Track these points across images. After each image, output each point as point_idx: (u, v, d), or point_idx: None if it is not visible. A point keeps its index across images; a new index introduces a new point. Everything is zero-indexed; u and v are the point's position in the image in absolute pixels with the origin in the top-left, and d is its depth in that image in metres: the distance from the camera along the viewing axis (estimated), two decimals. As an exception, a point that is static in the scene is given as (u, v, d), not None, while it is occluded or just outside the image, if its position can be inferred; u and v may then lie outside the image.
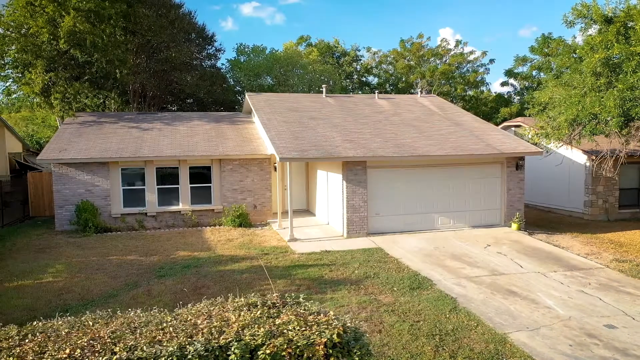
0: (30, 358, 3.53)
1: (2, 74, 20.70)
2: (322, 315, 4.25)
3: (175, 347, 3.62)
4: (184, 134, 18.55)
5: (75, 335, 3.89)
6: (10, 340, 3.87)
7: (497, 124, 26.40)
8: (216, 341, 3.74)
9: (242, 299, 4.63)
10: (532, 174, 19.28)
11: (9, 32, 19.84)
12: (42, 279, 10.36)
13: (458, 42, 40.99)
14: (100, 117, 20.59)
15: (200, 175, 17.19)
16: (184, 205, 16.87)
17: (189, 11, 32.83)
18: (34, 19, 19.27)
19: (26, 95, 23.02)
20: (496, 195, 15.69)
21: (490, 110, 38.48)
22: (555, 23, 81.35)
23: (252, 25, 76.17)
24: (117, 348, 3.62)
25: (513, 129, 21.39)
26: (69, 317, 4.41)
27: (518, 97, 39.40)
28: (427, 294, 9.10)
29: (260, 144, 17.91)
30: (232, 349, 3.67)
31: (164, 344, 3.69)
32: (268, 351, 3.68)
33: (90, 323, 4.23)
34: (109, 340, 3.78)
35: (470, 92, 40.41)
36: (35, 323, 4.24)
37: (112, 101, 28.01)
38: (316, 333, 3.88)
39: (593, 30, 13.10)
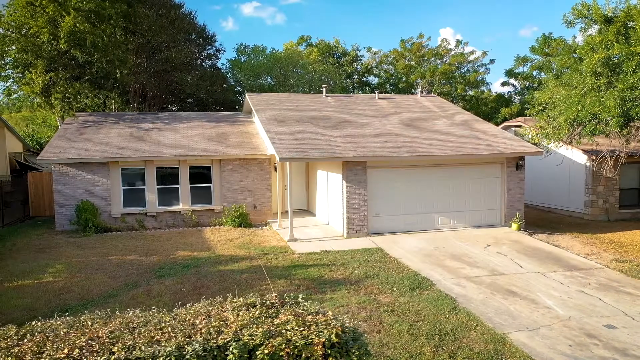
0: (29, 358, 3.53)
1: (2, 74, 20.71)
2: (320, 315, 4.25)
3: (173, 347, 3.62)
4: (184, 134, 18.56)
5: (73, 335, 3.89)
6: (8, 340, 3.87)
7: (497, 124, 26.40)
8: (214, 341, 3.74)
9: (241, 299, 4.63)
10: (533, 174, 19.28)
11: (9, 32, 19.86)
12: (42, 279, 10.37)
13: (458, 42, 41.01)
14: (101, 117, 20.60)
15: (201, 175, 17.20)
16: (184, 205, 16.87)
17: (189, 11, 32.89)
18: (34, 19, 19.29)
19: (26, 95, 23.06)
20: (496, 195, 15.68)
21: (491, 110, 38.47)
22: (555, 23, 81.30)
23: (252, 25, 76.25)
24: (116, 348, 3.62)
25: (513, 129, 21.38)
26: (67, 317, 4.41)
27: (518, 97, 39.39)
28: (426, 294, 9.09)
29: (260, 144, 17.92)
30: (231, 349, 3.67)
31: (162, 344, 3.69)
32: (266, 351, 3.68)
33: (89, 323, 4.23)
34: (107, 340, 3.78)
35: (471, 92, 40.41)
36: (33, 323, 4.24)
37: (113, 101, 28.02)
38: (314, 333, 3.88)
39: (593, 30, 13.09)
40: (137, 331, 3.97)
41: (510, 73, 38.18)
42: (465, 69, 40.84)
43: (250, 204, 17.23)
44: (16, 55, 19.84)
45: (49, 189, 18.68)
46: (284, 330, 3.91)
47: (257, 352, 3.69)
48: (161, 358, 3.54)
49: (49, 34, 19.26)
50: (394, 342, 6.99)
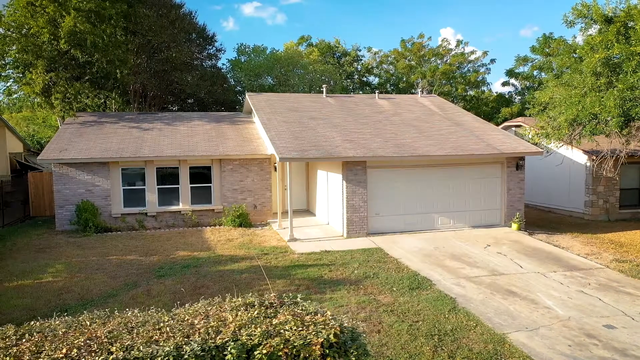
0: (27, 358, 3.53)
1: (3, 74, 20.75)
2: (319, 315, 4.25)
3: (171, 347, 3.62)
4: (184, 134, 18.56)
5: (72, 335, 3.89)
6: (7, 340, 3.87)
7: (498, 124, 26.40)
8: (213, 341, 3.74)
9: (240, 299, 4.63)
10: (533, 174, 19.27)
11: (9, 33, 19.88)
12: (42, 279, 10.38)
13: (459, 42, 40.98)
14: (101, 117, 20.62)
15: (201, 175, 17.20)
16: (184, 205, 16.88)
17: (190, 11, 32.92)
18: (35, 19, 19.30)
19: (27, 96, 23.07)
20: (496, 195, 15.67)
21: (491, 110, 38.45)
22: (556, 23, 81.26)
23: (253, 25, 76.26)
24: (114, 348, 3.63)
25: (514, 129, 21.38)
26: (66, 317, 4.41)
27: (519, 97, 39.36)
28: (426, 294, 9.09)
29: (260, 144, 17.92)
30: (229, 349, 3.67)
31: (161, 344, 3.69)
32: (264, 351, 3.68)
33: (88, 323, 4.23)
34: (105, 340, 3.79)
35: (471, 92, 40.38)
36: (32, 323, 4.24)
37: (113, 101, 28.04)
38: (313, 333, 3.87)
39: (593, 30, 13.08)
40: (135, 331, 3.97)
41: (510, 73, 38.14)
42: (466, 69, 40.82)
43: (250, 204, 17.23)
44: (16, 55, 19.86)
45: (49, 189, 18.70)
46: (282, 330, 3.91)
47: (256, 352, 3.70)
48: (159, 358, 3.54)
49: (49, 34, 19.28)
50: (393, 342, 6.99)
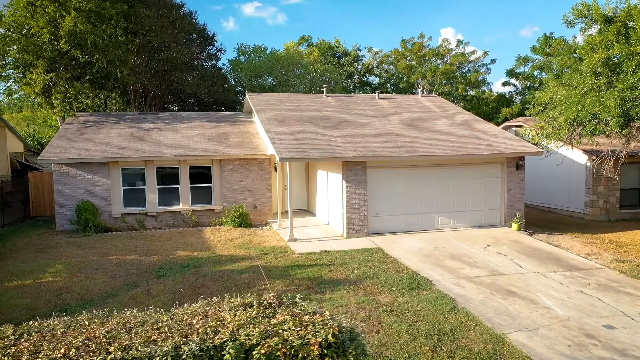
0: (25, 358, 3.53)
1: (3, 74, 20.77)
2: (317, 315, 4.25)
3: (170, 347, 3.62)
4: (184, 134, 18.57)
5: (70, 335, 3.90)
6: (5, 339, 3.88)
7: (498, 124, 26.39)
8: (211, 341, 3.74)
9: (238, 299, 4.63)
10: (533, 174, 19.26)
11: (10, 33, 19.89)
12: (42, 279, 10.38)
13: (459, 42, 40.96)
14: (101, 117, 20.63)
15: (201, 175, 17.21)
16: (184, 205, 16.88)
17: (190, 11, 32.91)
18: (35, 19, 19.32)
19: (27, 96, 23.09)
20: (496, 195, 15.66)
21: (492, 110, 38.43)
22: (556, 23, 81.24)
23: (253, 25, 76.28)
24: (112, 348, 3.63)
25: (514, 129, 21.37)
26: (65, 317, 4.42)
27: (519, 97, 39.34)
28: (426, 294, 9.09)
29: (260, 144, 17.92)
30: (227, 349, 3.67)
31: (159, 344, 3.69)
32: (263, 351, 3.68)
33: (86, 323, 4.24)
34: (104, 340, 3.79)
35: (472, 92, 40.36)
36: (31, 323, 4.25)
37: (113, 101, 28.05)
38: (311, 333, 3.87)
39: (593, 30, 13.07)
40: (134, 331, 3.97)
41: (511, 73, 38.12)
42: (466, 69, 40.80)
43: (251, 204, 17.23)
44: (17, 55, 19.88)
45: (49, 189, 18.71)
46: (280, 330, 3.91)
47: (254, 352, 3.70)
48: (157, 358, 3.54)
49: (49, 34, 19.29)
50: (392, 342, 6.99)
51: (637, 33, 11.43)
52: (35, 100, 21.90)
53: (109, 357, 3.51)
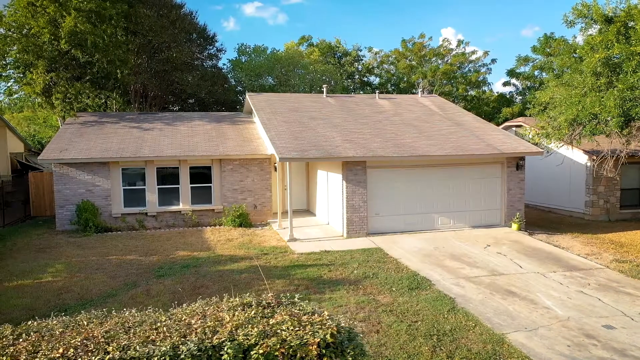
0: (24, 357, 3.53)
1: (3, 74, 20.79)
2: (316, 315, 4.25)
3: (168, 347, 3.62)
4: (184, 134, 18.58)
5: (69, 335, 3.90)
6: (4, 339, 3.88)
7: (498, 124, 26.39)
8: (209, 341, 3.75)
9: (237, 299, 4.63)
10: (533, 174, 19.25)
11: (10, 33, 19.91)
12: (42, 279, 10.39)
13: (460, 42, 40.94)
14: (102, 117, 20.64)
15: (201, 175, 17.21)
16: (184, 205, 16.89)
17: (190, 11, 32.92)
18: (35, 20, 19.33)
19: (27, 96, 23.11)
20: (496, 195, 15.66)
21: (492, 110, 38.42)
22: (557, 23, 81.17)
23: (254, 25, 76.29)
24: (110, 348, 3.63)
25: (514, 129, 21.36)
26: (63, 317, 4.42)
27: (520, 97, 39.32)
28: (425, 294, 9.08)
29: (260, 144, 17.93)
30: (225, 349, 3.67)
31: (157, 344, 3.70)
32: (261, 351, 3.68)
33: (85, 323, 4.24)
34: (102, 339, 3.79)
35: (472, 92, 40.34)
36: (29, 322, 4.25)
37: (114, 101, 28.07)
38: (310, 333, 3.87)
39: (593, 30, 13.06)
40: (132, 331, 3.98)
41: (511, 73, 38.09)
42: (467, 69, 40.77)
43: (251, 204, 17.23)
44: (17, 55, 19.90)
45: (49, 189, 18.72)
46: (279, 330, 3.91)
47: (252, 352, 3.70)
48: (156, 358, 3.55)
49: (49, 34, 19.31)
50: (392, 342, 6.98)
51: (637, 33, 11.43)
52: (36, 100, 21.93)
53: (107, 357, 3.51)
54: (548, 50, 28.79)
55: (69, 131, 18.29)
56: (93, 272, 10.90)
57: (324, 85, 22.75)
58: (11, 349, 3.67)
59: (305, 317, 4.18)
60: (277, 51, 38.78)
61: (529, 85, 38.10)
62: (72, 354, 3.55)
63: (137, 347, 3.63)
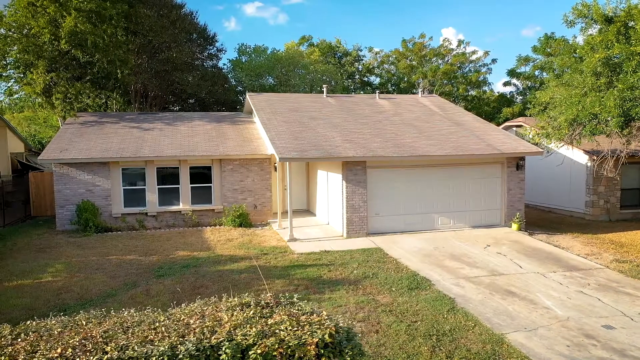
0: (22, 357, 3.54)
1: (4, 74, 20.80)
2: (315, 315, 4.25)
3: (166, 347, 3.62)
4: (184, 134, 18.58)
5: (67, 335, 3.90)
6: (2, 339, 3.88)
7: (499, 124, 26.37)
8: (207, 341, 3.74)
9: (236, 299, 4.63)
10: (533, 174, 19.24)
11: (10, 33, 19.93)
12: (42, 279, 10.40)
13: (460, 42, 40.91)
14: (102, 117, 20.65)
15: (201, 175, 17.22)
16: (184, 205, 16.89)
17: (190, 11, 32.93)
18: (36, 20, 19.34)
19: (28, 96, 23.13)
20: (496, 195, 15.65)
21: (493, 110, 38.40)
22: (558, 23, 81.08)
23: (255, 25, 76.31)
24: (109, 347, 3.63)
25: (514, 129, 21.35)
26: (62, 317, 4.42)
27: (520, 97, 39.29)
28: (425, 294, 9.08)
29: (260, 144, 17.93)
30: (224, 349, 3.67)
31: (156, 344, 3.70)
32: (259, 351, 3.68)
33: (84, 322, 4.24)
34: (100, 339, 3.79)
35: (473, 92, 40.32)
36: (28, 322, 4.25)
37: (114, 101, 28.09)
38: (308, 333, 3.87)
39: (593, 30, 13.06)
40: (130, 331, 3.98)
41: (512, 73, 38.06)
42: (467, 68, 40.74)
43: (251, 204, 17.24)
44: (17, 55, 19.92)
45: (50, 189, 18.73)
46: (277, 330, 3.91)
47: (250, 352, 3.70)
48: (154, 358, 3.55)
49: (50, 34, 19.32)
50: (391, 342, 6.98)
51: (637, 33, 11.42)
52: (36, 100, 21.95)
53: (106, 357, 3.51)
54: (548, 50, 28.79)
55: (69, 131, 18.30)
56: (93, 272, 10.91)
57: (324, 85, 22.74)
58: (10, 348, 3.67)
59: (303, 317, 4.18)
60: (278, 51, 38.80)
61: (529, 85, 38.07)
62: (71, 353, 3.55)
63: (136, 347, 3.63)
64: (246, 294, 4.92)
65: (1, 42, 19.46)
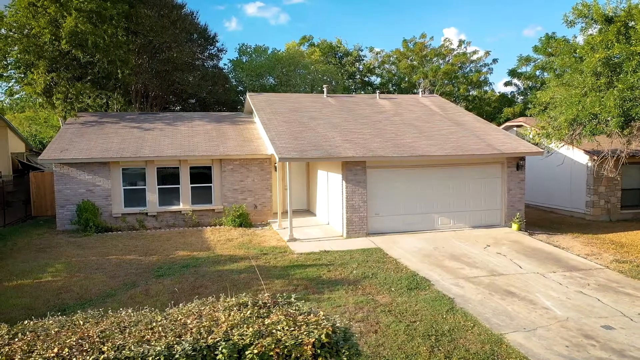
0: (19, 357, 3.54)
1: (4, 74, 20.83)
2: (312, 315, 4.25)
3: (163, 347, 3.63)
4: (185, 134, 18.59)
5: (64, 335, 3.91)
6: (0, 339, 3.89)
7: (500, 124, 26.35)
8: (204, 341, 3.75)
9: (233, 299, 4.64)
10: (534, 174, 19.22)
11: (11, 33, 19.96)
12: (42, 279, 10.41)
13: (461, 42, 40.90)
14: (102, 117, 20.67)
15: (201, 175, 17.22)
16: (184, 205, 16.90)
17: (191, 11, 32.95)
18: (36, 20, 19.37)
19: (29, 96, 23.16)
20: (497, 195, 15.63)
21: (494, 110, 38.39)
22: (559, 23, 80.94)
23: (256, 25, 76.35)
24: (105, 347, 3.64)
25: (515, 129, 21.33)
26: (60, 317, 4.43)
27: (521, 97, 39.28)
28: (424, 295, 9.07)
29: (260, 144, 17.93)
30: (220, 349, 3.68)
31: (152, 344, 3.70)
32: (256, 351, 3.69)
33: (81, 322, 4.25)
34: (97, 339, 3.80)
35: (474, 92, 40.30)
36: (26, 322, 4.26)
37: (115, 101, 28.12)
38: (305, 333, 3.88)
39: (594, 30, 13.04)
40: (127, 331, 3.99)
41: (513, 73, 38.05)
42: (468, 69, 40.74)
43: (251, 204, 17.24)
44: (18, 55, 19.95)
45: (50, 189, 18.75)
46: (274, 330, 3.91)
47: (247, 352, 3.70)
48: (150, 357, 3.55)
49: (50, 34, 19.35)
50: (390, 343, 6.98)
51: (637, 33, 11.41)
52: (37, 100, 21.99)
53: (102, 356, 3.52)
54: (549, 50, 28.73)
55: (69, 131, 18.32)
56: (93, 272, 10.92)
57: (325, 85, 22.74)
58: (7, 348, 3.68)
59: (301, 317, 4.18)
60: (278, 51, 38.81)
61: (530, 85, 38.06)
62: (67, 353, 3.56)
63: (132, 346, 3.64)
64: (244, 294, 4.92)
65: (2, 42, 19.50)
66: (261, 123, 17.15)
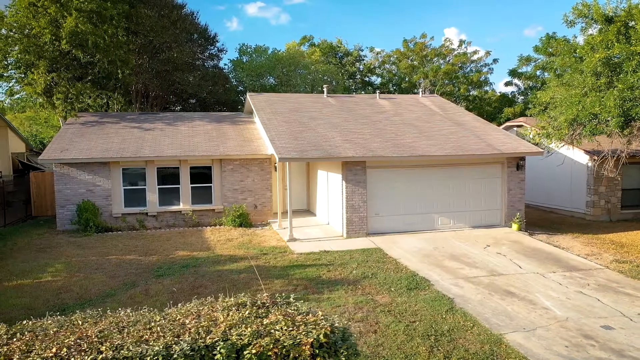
0: (17, 357, 3.54)
1: (5, 74, 20.84)
2: (310, 315, 4.25)
3: (161, 347, 3.63)
4: (185, 134, 18.60)
5: (63, 335, 3.91)
6: (-2, 339, 3.89)
7: (500, 124, 26.34)
8: (202, 341, 3.75)
9: (232, 299, 4.64)
10: (534, 174, 19.21)
11: (11, 33, 19.97)
12: (41, 279, 10.41)
13: (461, 42, 40.91)
14: (102, 117, 20.68)
15: (201, 175, 17.23)
16: (184, 205, 16.91)
17: (191, 11, 32.94)
18: (37, 20, 19.38)
19: (29, 96, 23.18)
20: (497, 195, 15.62)
21: (494, 110, 38.39)
22: (559, 23, 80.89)
23: (256, 25, 76.36)
24: (104, 347, 3.63)
25: (515, 129, 21.32)
26: (58, 317, 4.43)
27: (522, 97, 39.28)
28: (424, 295, 9.07)
29: (261, 144, 17.93)
30: (218, 349, 3.67)
31: (151, 344, 3.70)
32: (254, 351, 3.68)
33: (80, 322, 4.25)
34: (96, 339, 3.80)
35: (474, 92, 40.30)
36: (24, 322, 4.26)
37: (115, 101, 28.12)
38: (303, 333, 3.87)
39: (594, 29, 13.03)
40: (126, 331, 3.98)
41: (513, 73, 38.07)
42: (468, 68, 40.75)
43: (251, 204, 17.24)
44: (19, 55, 19.95)
45: (51, 189, 18.76)
46: (272, 330, 3.91)
47: (245, 352, 3.70)
48: (149, 357, 3.55)
49: (51, 34, 19.35)
50: (389, 343, 6.98)
51: (637, 33, 11.39)
52: (37, 100, 21.99)
53: (100, 356, 3.52)
54: (550, 50, 28.71)
55: (70, 131, 18.33)
56: (92, 271, 10.92)
57: (325, 85, 22.74)
58: (5, 348, 3.68)
59: (299, 317, 4.18)
60: (279, 51, 38.81)
61: (531, 85, 38.06)
62: (65, 353, 3.56)
63: (130, 346, 3.64)
64: (243, 294, 4.92)
65: (2, 43, 19.51)
66: (261, 123, 17.15)
